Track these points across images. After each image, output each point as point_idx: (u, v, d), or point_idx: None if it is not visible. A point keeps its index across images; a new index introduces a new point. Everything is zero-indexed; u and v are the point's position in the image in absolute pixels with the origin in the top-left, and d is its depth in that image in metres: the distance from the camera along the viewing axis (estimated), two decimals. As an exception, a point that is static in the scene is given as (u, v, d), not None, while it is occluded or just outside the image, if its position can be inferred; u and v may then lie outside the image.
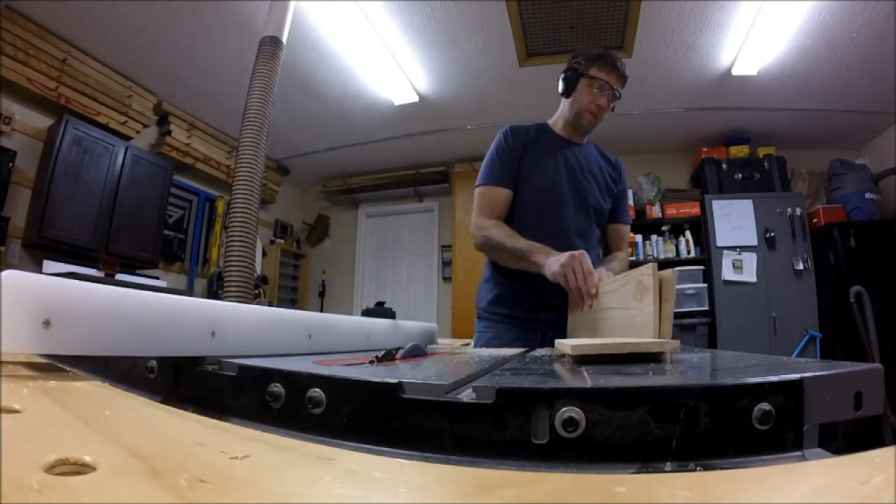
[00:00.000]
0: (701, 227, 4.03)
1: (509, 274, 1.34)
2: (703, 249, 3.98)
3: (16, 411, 0.25)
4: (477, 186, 1.39)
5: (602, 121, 1.41)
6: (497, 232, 1.30)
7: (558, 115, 1.47)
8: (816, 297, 3.60)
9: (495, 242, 1.28)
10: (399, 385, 0.33)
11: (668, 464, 0.28)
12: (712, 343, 3.67)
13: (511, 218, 1.38)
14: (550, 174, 1.38)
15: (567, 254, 1.09)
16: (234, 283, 1.82)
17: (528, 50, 3.15)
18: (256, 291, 3.08)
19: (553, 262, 1.11)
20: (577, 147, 1.44)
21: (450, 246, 4.84)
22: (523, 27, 2.93)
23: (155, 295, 0.46)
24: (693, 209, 4.06)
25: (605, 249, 1.50)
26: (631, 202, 4.20)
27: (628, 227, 1.56)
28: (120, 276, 3.31)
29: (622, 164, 1.54)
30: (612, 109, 1.42)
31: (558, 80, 1.42)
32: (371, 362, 0.54)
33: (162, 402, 0.38)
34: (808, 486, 0.19)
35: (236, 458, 0.20)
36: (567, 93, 1.40)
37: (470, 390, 0.33)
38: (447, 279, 4.90)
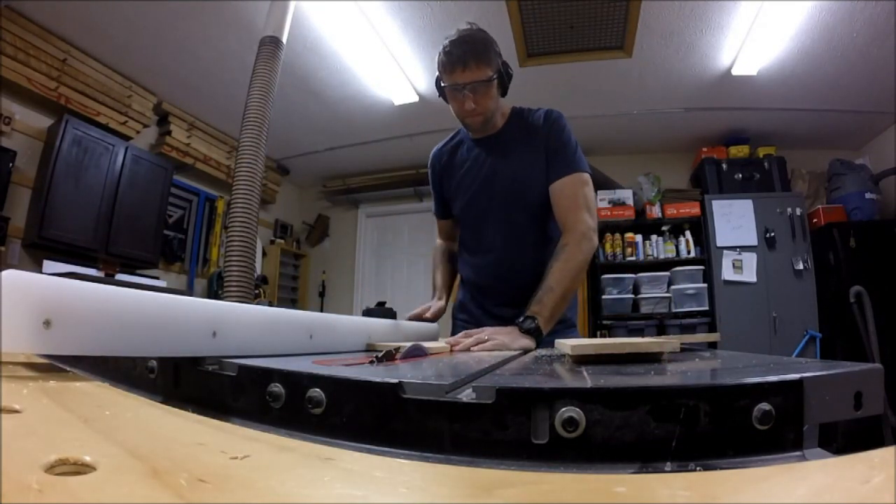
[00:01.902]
0: (701, 227, 4.03)
1: (464, 283, 1.44)
2: (703, 249, 3.98)
3: (16, 411, 0.25)
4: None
5: (492, 108, 1.23)
6: (436, 257, 1.51)
7: None
8: (816, 297, 3.60)
9: (432, 265, 1.52)
10: (399, 385, 0.33)
11: (668, 464, 0.28)
12: (712, 343, 3.67)
13: (459, 241, 1.47)
14: (467, 192, 1.33)
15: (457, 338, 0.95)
16: (234, 283, 1.82)
17: (528, 50, 3.15)
18: (256, 291, 3.08)
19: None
20: (490, 140, 1.30)
21: (450, 246, 4.84)
22: (523, 27, 2.93)
23: (155, 295, 0.46)
24: (693, 209, 4.06)
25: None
26: (631, 202, 4.20)
27: (579, 178, 1.20)
28: (120, 276, 3.31)
29: (553, 115, 1.27)
30: (504, 88, 1.25)
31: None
32: (371, 362, 0.54)
33: (162, 402, 0.38)
34: (808, 486, 0.19)
35: (236, 458, 0.20)
36: (445, 100, 1.28)
37: (470, 390, 0.33)
38: (447, 279, 4.90)
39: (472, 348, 0.89)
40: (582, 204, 1.18)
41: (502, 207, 1.28)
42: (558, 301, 1.10)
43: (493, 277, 1.33)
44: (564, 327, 1.29)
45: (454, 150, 1.40)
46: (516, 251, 1.28)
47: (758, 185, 3.97)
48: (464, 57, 1.15)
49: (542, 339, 1.05)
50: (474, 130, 1.31)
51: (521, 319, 1.05)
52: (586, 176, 1.22)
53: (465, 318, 1.42)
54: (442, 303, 1.33)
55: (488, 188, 1.29)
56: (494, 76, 1.19)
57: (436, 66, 1.22)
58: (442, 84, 1.22)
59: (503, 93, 1.26)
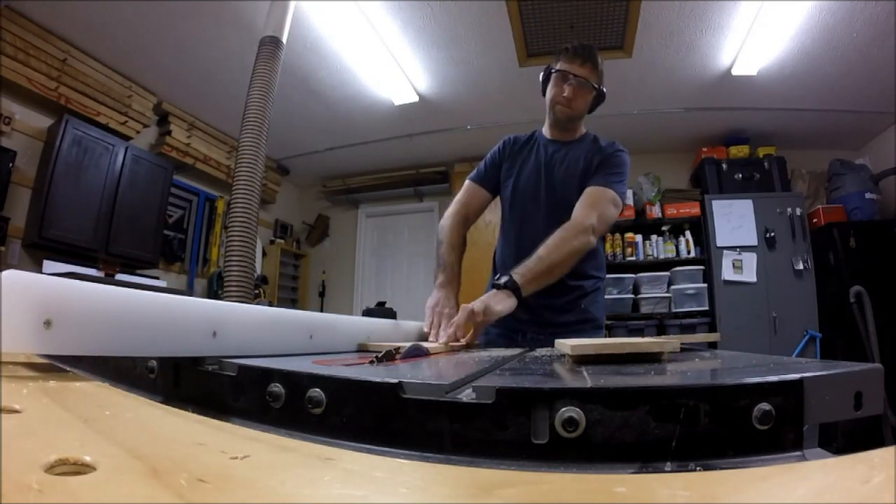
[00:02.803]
0: (701, 227, 4.03)
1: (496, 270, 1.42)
2: (703, 249, 3.98)
3: (16, 411, 0.25)
4: (467, 180, 1.49)
5: (581, 111, 1.38)
6: (447, 230, 1.38)
7: (545, 126, 1.48)
8: (816, 297, 3.60)
9: (439, 238, 1.38)
10: (399, 385, 0.33)
11: (668, 464, 0.28)
12: (712, 343, 3.67)
13: (503, 231, 1.46)
14: (526, 181, 1.39)
15: (437, 296, 1.20)
16: (234, 283, 1.83)
17: (528, 50, 3.15)
18: (256, 291, 3.08)
19: (433, 296, 1.21)
20: (563, 146, 1.40)
21: (450, 246, 4.83)
22: (523, 27, 2.93)
23: (155, 295, 0.46)
24: (693, 209, 4.06)
25: None
26: (631, 202, 4.20)
27: (605, 192, 1.27)
28: (120, 276, 3.31)
29: (617, 147, 1.38)
30: (594, 107, 1.41)
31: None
32: (371, 362, 0.54)
33: (162, 402, 0.38)
34: (808, 486, 0.19)
35: (236, 458, 0.20)
36: (544, 92, 1.41)
37: (470, 390, 0.33)
38: (447, 279, 4.89)
39: (460, 339, 1.00)
40: (599, 209, 1.24)
41: (556, 203, 1.33)
42: (543, 270, 1.13)
43: None
44: (593, 326, 1.35)
45: (527, 142, 1.46)
46: None
47: (758, 185, 3.97)
48: (587, 56, 1.32)
49: (521, 298, 1.11)
50: (555, 122, 1.39)
51: (496, 276, 1.17)
52: (618, 198, 1.30)
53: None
54: (466, 309, 1.02)
55: (549, 181, 1.36)
56: (596, 87, 1.35)
57: (554, 57, 1.37)
58: (553, 70, 1.34)
59: (590, 110, 1.41)
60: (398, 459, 0.23)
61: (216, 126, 4.16)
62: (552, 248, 1.15)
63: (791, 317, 3.59)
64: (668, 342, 0.55)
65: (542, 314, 1.29)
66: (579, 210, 1.23)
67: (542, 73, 1.40)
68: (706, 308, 3.81)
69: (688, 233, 4.09)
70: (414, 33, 2.97)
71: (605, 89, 1.38)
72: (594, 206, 1.24)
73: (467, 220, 1.43)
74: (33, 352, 0.38)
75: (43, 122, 3.00)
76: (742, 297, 3.69)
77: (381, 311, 4.03)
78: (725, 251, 3.79)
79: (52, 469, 0.18)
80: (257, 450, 0.22)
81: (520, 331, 1.31)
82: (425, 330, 1.10)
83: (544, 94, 1.40)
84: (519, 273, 1.11)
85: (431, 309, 1.16)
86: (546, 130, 1.45)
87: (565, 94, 1.32)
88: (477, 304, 1.03)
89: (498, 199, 1.49)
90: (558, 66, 1.34)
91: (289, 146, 4.56)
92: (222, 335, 0.52)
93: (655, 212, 4.16)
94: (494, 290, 1.11)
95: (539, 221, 1.33)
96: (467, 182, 1.47)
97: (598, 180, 1.29)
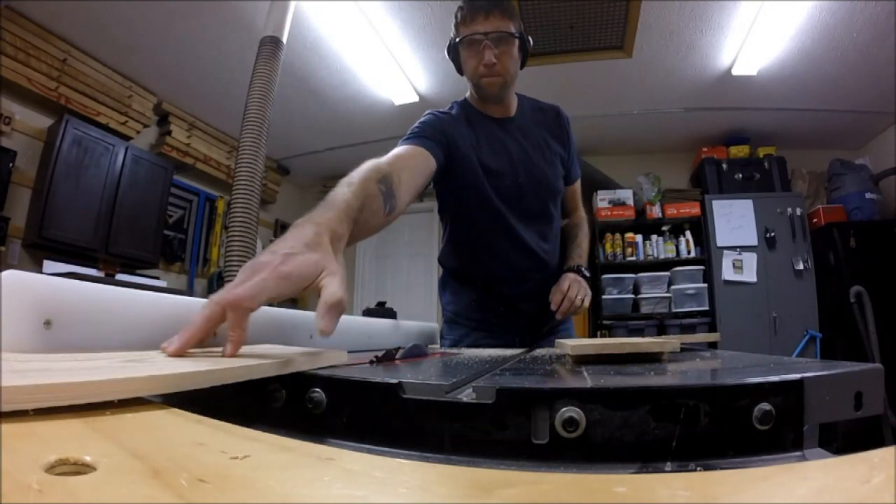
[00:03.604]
0: (701, 227, 4.03)
1: (474, 282, 1.22)
2: (703, 249, 3.98)
3: (15, 411, 0.25)
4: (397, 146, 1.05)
5: (514, 72, 1.12)
6: (360, 172, 0.76)
7: (469, 96, 1.21)
8: (816, 297, 3.60)
9: (350, 180, 0.74)
10: (399, 385, 0.33)
11: (668, 464, 0.28)
12: (712, 343, 3.66)
13: (460, 229, 1.21)
14: (505, 174, 1.14)
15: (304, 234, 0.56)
16: (234, 283, 1.82)
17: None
18: (256, 291, 3.07)
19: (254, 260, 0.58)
20: (511, 124, 1.18)
21: (450, 246, 4.83)
22: (523, 27, 2.93)
23: (155, 295, 0.46)
24: (693, 209, 4.06)
25: (561, 213, 1.30)
26: (631, 202, 4.20)
27: (577, 185, 1.36)
28: (120, 276, 3.31)
29: (561, 110, 1.25)
30: (523, 60, 1.15)
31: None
32: (371, 362, 0.54)
33: (162, 402, 0.38)
34: (808, 486, 0.19)
35: (236, 458, 0.20)
36: (459, 69, 1.17)
37: (470, 390, 0.33)
38: (447, 279, 4.89)
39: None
40: (580, 202, 1.40)
41: (538, 196, 1.18)
42: (585, 258, 1.26)
43: (526, 265, 1.19)
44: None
45: (468, 122, 1.15)
46: (543, 239, 1.21)
47: (758, 185, 3.97)
48: (487, 5, 1.06)
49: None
50: (487, 97, 1.14)
51: (574, 267, 1.19)
52: None
53: (481, 317, 1.22)
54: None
55: (519, 171, 1.15)
56: (517, 35, 1.09)
57: (452, 26, 1.12)
58: (458, 39, 1.10)
59: (521, 64, 1.15)
60: (398, 459, 0.23)
61: (216, 126, 4.15)
62: (584, 239, 1.31)
63: (791, 317, 3.59)
64: (668, 342, 0.55)
65: (540, 315, 1.20)
66: (576, 204, 1.38)
67: (446, 50, 1.16)
68: (706, 308, 3.81)
69: (688, 233, 4.09)
70: (414, 33, 2.97)
71: (528, 37, 1.13)
72: (580, 199, 1.39)
73: (398, 171, 0.87)
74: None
75: (43, 122, 3.00)
76: (742, 297, 3.69)
77: (382, 311, 4.03)
78: (725, 251, 3.79)
79: (52, 469, 0.18)
80: (257, 450, 0.22)
81: (515, 335, 1.20)
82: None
83: (460, 72, 1.17)
84: (582, 265, 1.22)
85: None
86: (481, 108, 1.18)
87: (485, 62, 1.07)
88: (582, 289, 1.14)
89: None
90: (464, 34, 1.09)
91: (289, 146, 4.56)
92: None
93: (655, 212, 4.16)
94: (574, 276, 1.16)
95: (527, 215, 1.17)
96: (405, 146, 1.02)
97: (575, 173, 1.33)
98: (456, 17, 1.12)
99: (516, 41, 1.10)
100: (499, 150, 1.15)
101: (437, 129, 1.08)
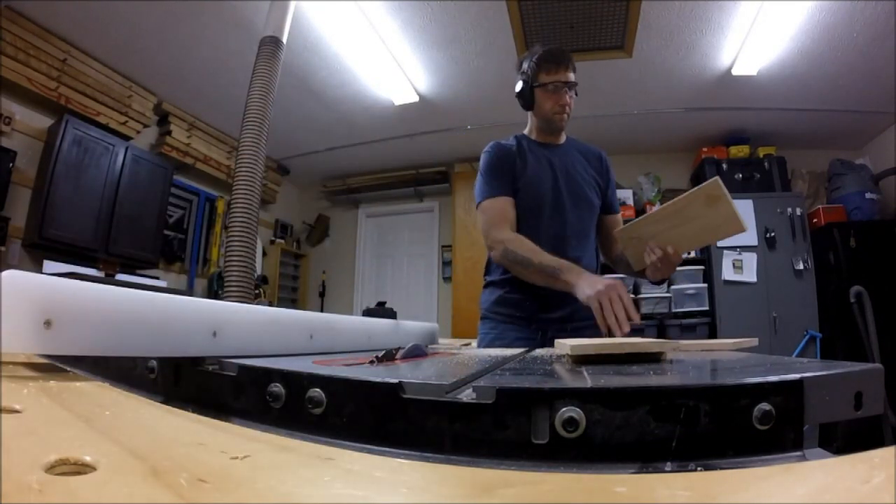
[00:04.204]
0: (701, 227, 4.02)
1: (516, 281, 1.33)
2: (703, 249, 3.98)
3: (16, 411, 0.25)
4: (480, 203, 1.38)
5: (571, 111, 1.42)
6: (520, 246, 1.26)
7: (530, 127, 1.49)
8: (816, 297, 3.60)
9: (518, 257, 1.24)
10: (399, 385, 0.33)
11: (668, 464, 0.28)
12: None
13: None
14: (545, 179, 1.39)
15: (604, 282, 1.07)
16: (234, 283, 1.82)
17: (528, 50, 3.15)
18: (256, 291, 3.07)
19: (586, 286, 1.10)
20: (557, 149, 1.46)
21: (450, 246, 4.84)
22: (523, 27, 2.93)
23: (155, 295, 0.46)
24: (693, 209, 4.06)
25: (602, 242, 1.51)
26: (631, 202, 4.20)
27: (620, 214, 1.58)
28: (120, 276, 3.31)
29: (604, 154, 1.55)
30: (576, 94, 1.45)
31: (515, 95, 1.45)
32: (371, 362, 0.54)
33: (162, 402, 0.38)
34: (808, 486, 0.19)
35: (236, 458, 0.20)
36: (528, 107, 1.44)
37: (470, 390, 0.33)
38: (447, 279, 4.90)
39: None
40: None
41: (577, 201, 1.39)
42: None
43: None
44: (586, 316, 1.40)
45: (519, 143, 1.45)
46: (582, 245, 1.40)
47: (758, 185, 3.97)
48: (567, 60, 1.36)
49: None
50: (556, 130, 1.43)
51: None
52: None
53: (508, 312, 1.38)
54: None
55: (567, 180, 1.40)
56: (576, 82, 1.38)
57: (528, 65, 1.40)
58: (542, 81, 1.36)
59: None
60: (398, 459, 0.23)
61: (216, 126, 4.16)
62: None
63: (791, 317, 3.59)
64: (669, 342, 0.55)
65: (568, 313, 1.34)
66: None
67: (521, 85, 1.41)
68: (706, 308, 3.81)
69: (688, 233, 4.09)
70: (414, 33, 2.97)
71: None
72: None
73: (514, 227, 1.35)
74: (33, 352, 0.38)
75: (43, 122, 3.01)
76: (742, 297, 3.69)
77: (382, 311, 4.03)
78: (725, 251, 3.79)
79: (52, 469, 0.18)
80: (257, 450, 0.22)
81: (541, 330, 1.33)
82: (603, 313, 1.03)
83: (526, 108, 1.44)
84: None
85: (594, 293, 1.06)
86: (536, 136, 1.47)
87: (568, 105, 1.37)
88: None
89: None
90: (545, 80, 1.36)
91: (289, 146, 4.56)
92: (222, 335, 0.52)
93: (655, 212, 4.16)
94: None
95: (561, 220, 1.37)
96: (488, 202, 1.36)
97: (614, 206, 1.51)
98: (534, 62, 1.38)
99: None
100: (545, 171, 1.40)
101: (503, 171, 1.38)
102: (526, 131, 1.50)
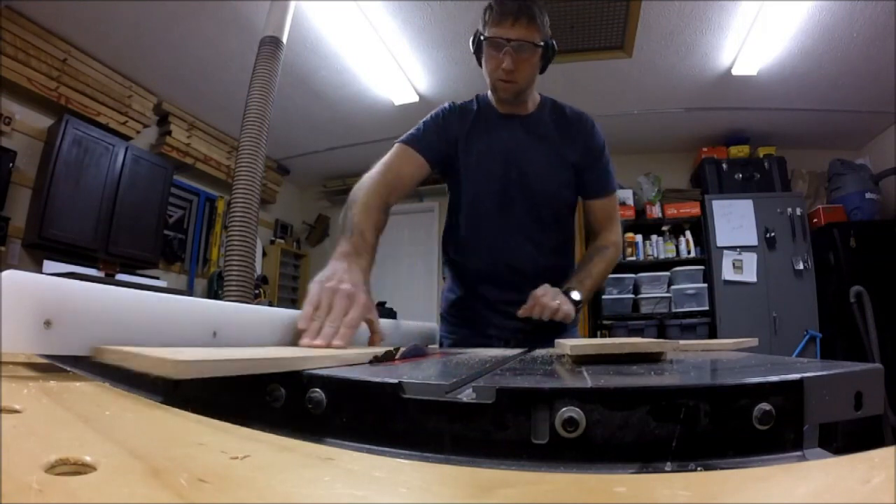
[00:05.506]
0: (701, 227, 4.03)
1: (463, 280, 1.23)
2: (703, 249, 3.98)
3: (16, 411, 0.25)
4: (396, 143, 1.17)
5: (529, 81, 1.13)
6: (366, 191, 1.02)
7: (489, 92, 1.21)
8: (816, 297, 3.60)
9: (351, 199, 1.01)
10: (399, 385, 0.33)
11: (668, 464, 0.28)
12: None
13: (455, 222, 1.23)
14: (492, 170, 1.16)
15: (349, 280, 0.74)
16: (234, 283, 1.83)
17: (528, 50, 3.14)
18: (256, 291, 3.08)
19: (325, 272, 0.77)
20: (520, 122, 1.18)
21: (450, 246, 4.83)
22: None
23: (155, 295, 0.46)
24: (693, 209, 4.06)
25: (588, 233, 1.28)
26: (631, 202, 4.20)
27: (614, 198, 1.25)
28: (120, 276, 3.31)
29: (586, 117, 1.20)
30: (544, 66, 1.14)
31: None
32: (371, 362, 0.54)
33: (162, 402, 0.38)
34: (808, 486, 0.19)
35: (236, 458, 0.20)
36: (479, 62, 1.16)
37: (470, 390, 0.33)
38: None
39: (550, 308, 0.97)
40: (617, 220, 1.26)
41: (529, 199, 1.16)
42: (591, 289, 1.13)
43: (506, 269, 1.18)
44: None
45: (478, 116, 1.19)
46: (542, 253, 1.19)
47: (758, 185, 3.97)
48: (517, 12, 1.05)
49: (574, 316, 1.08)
50: (501, 100, 1.16)
51: (565, 289, 1.06)
52: (617, 194, 1.28)
53: (463, 314, 1.26)
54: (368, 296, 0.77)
55: (516, 175, 1.16)
56: (541, 44, 1.08)
57: (481, 19, 1.11)
58: (482, 37, 1.09)
59: (542, 70, 1.15)
60: (398, 459, 0.23)
61: (216, 126, 4.15)
62: (600, 267, 1.16)
63: (791, 317, 3.59)
64: (669, 342, 0.55)
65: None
66: (606, 225, 1.22)
67: (471, 41, 1.15)
68: (706, 308, 3.81)
69: (688, 233, 4.09)
70: (414, 33, 2.97)
71: (554, 42, 1.11)
72: (615, 219, 1.24)
73: (394, 188, 1.08)
74: (33, 352, 0.38)
75: (43, 122, 3.01)
76: (742, 297, 3.69)
77: (381, 311, 4.03)
78: (725, 251, 3.80)
79: (52, 469, 0.17)
80: (257, 450, 0.22)
81: (503, 339, 1.18)
82: (300, 326, 0.65)
83: (480, 64, 1.16)
84: (580, 291, 1.08)
85: (319, 284, 0.72)
86: (495, 103, 1.19)
87: (504, 67, 1.07)
88: (558, 300, 0.99)
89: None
90: (489, 33, 1.08)
91: (289, 146, 4.56)
92: (222, 335, 0.52)
93: (655, 212, 4.16)
94: (558, 290, 1.04)
95: (507, 218, 1.16)
96: (399, 145, 1.15)
97: (602, 187, 1.20)
98: (485, 13, 1.10)
99: (538, 51, 1.10)
100: (495, 149, 1.17)
101: (439, 133, 1.18)
102: (490, 97, 1.21)
